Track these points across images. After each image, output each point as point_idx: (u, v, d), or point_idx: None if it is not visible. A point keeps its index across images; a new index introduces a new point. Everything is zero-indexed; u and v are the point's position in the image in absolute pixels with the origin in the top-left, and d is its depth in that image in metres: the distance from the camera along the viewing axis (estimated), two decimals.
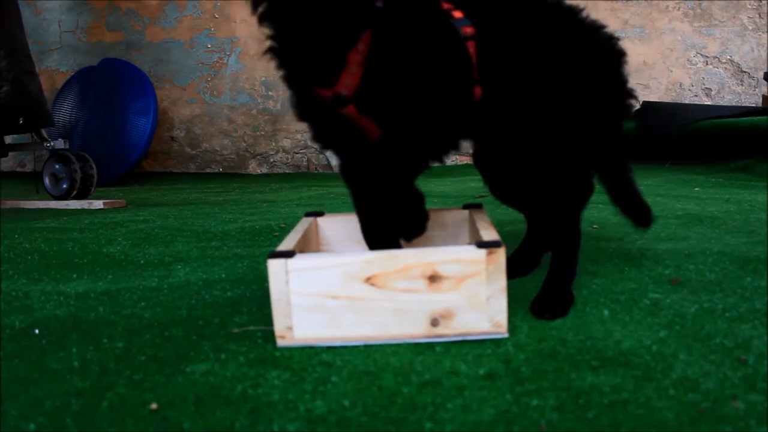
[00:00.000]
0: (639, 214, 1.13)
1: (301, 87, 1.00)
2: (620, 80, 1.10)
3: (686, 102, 4.37)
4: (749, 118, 3.29)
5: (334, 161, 4.66)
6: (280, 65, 0.99)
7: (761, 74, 4.26)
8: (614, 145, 1.11)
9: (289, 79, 1.01)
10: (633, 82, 1.15)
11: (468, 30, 1.01)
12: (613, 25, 4.18)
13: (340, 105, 0.96)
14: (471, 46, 1.01)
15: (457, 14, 1.02)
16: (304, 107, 1.03)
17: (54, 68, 4.95)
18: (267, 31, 0.97)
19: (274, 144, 4.79)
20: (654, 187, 2.77)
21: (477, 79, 1.03)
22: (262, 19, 0.96)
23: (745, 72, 4.37)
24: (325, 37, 0.93)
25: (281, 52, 0.98)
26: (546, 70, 1.04)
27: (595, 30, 1.09)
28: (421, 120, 0.99)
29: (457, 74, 1.01)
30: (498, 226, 1.51)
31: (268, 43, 0.98)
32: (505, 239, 0.99)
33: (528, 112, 1.06)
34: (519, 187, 1.19)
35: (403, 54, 0.96)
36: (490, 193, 1.27)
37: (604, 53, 1.08)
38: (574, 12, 1.10)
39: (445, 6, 1.03)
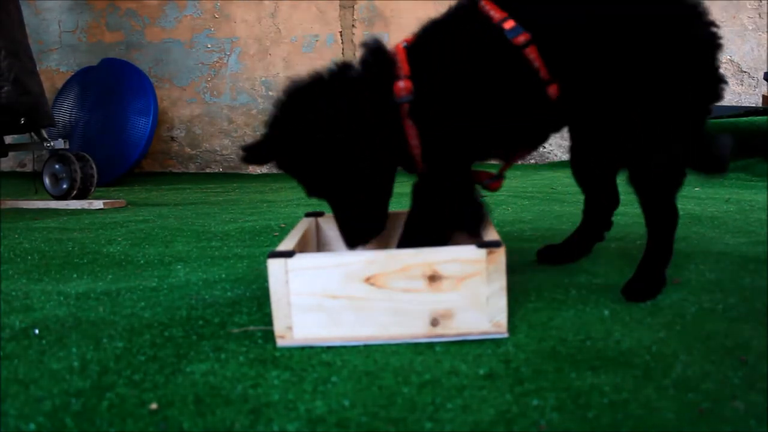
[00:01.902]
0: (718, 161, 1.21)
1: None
2: (714, 66, 1.10)
3: None
4: (749, 118, 3.29)
5: None
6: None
7: (761, 74, 4.26)
8: (701, 127, 1.14)
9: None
10: None
11: (521, 39, 1.02)
12: None
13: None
14: (532, 51, 1.03)
15: (509, 24, 1.03)
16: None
17: (54, 68, 4.95)
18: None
19: None
20: None
21: (548, 80, 1.05)
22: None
23: (745, 72, 4.37)
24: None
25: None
26: (643, 53, 1.05)
27: (696, 10, 1.08)
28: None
29: (518, 88, 1.06)
30: (498, 226, 1.51)
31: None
32: (505, 239, 0.99)
33: (623, 97, 1.07)
34: (597, 169, 1.28)
35: (459, 92, 1.04)
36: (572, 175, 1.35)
37: (702, 38, 1.08)
38: None
39: (497, 16, 1.04)
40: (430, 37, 1.09)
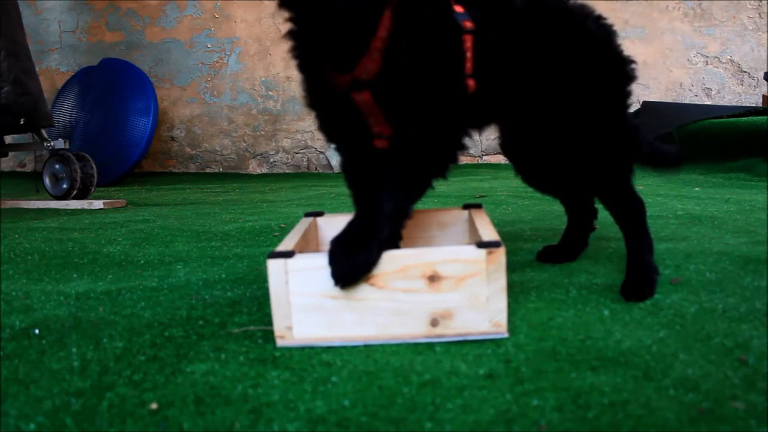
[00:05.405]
0: (670, 157, 1.26)
1: (317, 71, 1.01)
2: (617, 51, 1.16)
3: (686, 102, 4.37)
4: (749, 118, 3.29)
5: (334, 161, 4.66)
6: (298, 48, 1.00)
7: (761, 74, 4.26)
8: (624, 114, 1.17)
9: (306, 63, 1.02)
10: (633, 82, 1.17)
11: (468, 24, 1.02)
12: None
13: (357, 89, 0.96)
14: (468, 40, 1.02)
15: (459, 8, 1.03)
16: (317, 93, 1.03)
17: (54, 68, 4.95)
18: (286, 14, 0.96)
19: (274, 144, 4.79)
20: (654, 187, 2.77)
21: (469, 73, 1.03)
22: (283, 3, 0.95)
23: (745, 72, 4.37)
24: (350, 20, 0.93)
25: (300, 34, 0.99)
26: (548, 53, 1.10)
27: (585, 13, 1.15)
28: (434, 110, 1.00)
29: (457, 66, 1.03)
30: (498, 226, 1.51)
31: (287, 27, 0.98)
32: (505, 239, 0.99)
33: (545, 98, 1.11)
34: (554, 173, 1.28)
35: (420, 44, 0.97)
36: (523, 182, 1.35)
37: (598, 29, 1.15)
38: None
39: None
40: None
